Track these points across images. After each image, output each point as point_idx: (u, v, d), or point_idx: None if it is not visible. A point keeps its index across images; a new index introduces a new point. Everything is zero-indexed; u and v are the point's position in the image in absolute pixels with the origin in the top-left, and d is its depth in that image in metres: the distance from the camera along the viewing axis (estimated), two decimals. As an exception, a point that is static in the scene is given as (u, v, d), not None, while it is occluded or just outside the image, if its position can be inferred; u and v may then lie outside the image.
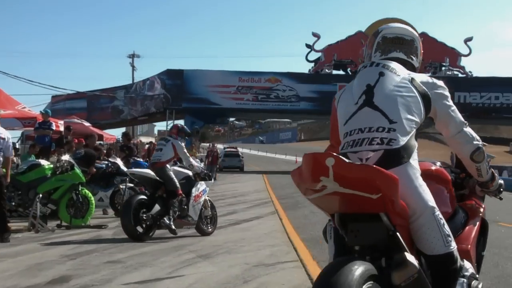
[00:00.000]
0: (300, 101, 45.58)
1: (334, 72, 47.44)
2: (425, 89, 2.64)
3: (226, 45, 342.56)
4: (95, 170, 12.10)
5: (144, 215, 8.55)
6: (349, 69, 47.23)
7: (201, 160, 26.10)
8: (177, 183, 9.03)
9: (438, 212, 2.50)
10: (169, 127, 48.01)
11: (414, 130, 2.58)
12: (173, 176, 9.07)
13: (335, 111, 2.76)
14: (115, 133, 43.29)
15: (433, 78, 2.72)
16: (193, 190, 9.17)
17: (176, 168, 9.32)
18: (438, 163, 3.04)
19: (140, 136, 69.62)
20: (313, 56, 47.24)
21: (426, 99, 2.62)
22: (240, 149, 56.71)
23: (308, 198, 2.46)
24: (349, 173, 2.23)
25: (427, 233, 2.46)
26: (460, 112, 2.75)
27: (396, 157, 2.48)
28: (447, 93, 2.70)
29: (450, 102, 2.71)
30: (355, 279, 2.09)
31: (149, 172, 9.12)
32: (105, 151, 16.46)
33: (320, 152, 2.30)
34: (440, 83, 2.71)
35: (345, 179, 2.23)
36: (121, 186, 12.41)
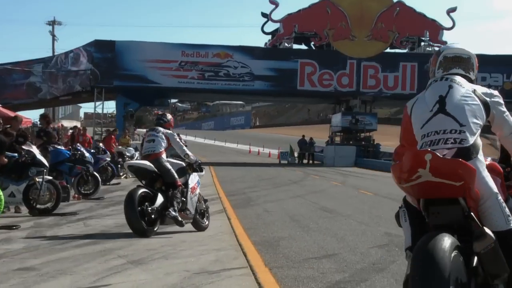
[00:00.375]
0: (254, 80, 45.65)
1: (295, 46, 47.73)
2: (485, 98, 3.89)
3: (166, 12, 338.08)
4: (6, 160, 11.79)
5: (149, 209, 9.19)
6: (312, 43, 47.54)
7: (136, 149, 25.84)
8: (175, 174, 9.81)
9: (500, 197, 3.70)
10: (98, 109, 47.54)
11: (479, 131, 3.81)
12: (170, 167, 9.85)
13: (408, 117, 4.08)
14: (31, 116, 42.66)
15: (490, 89, 3.97)
16: (189, 181, 10.00)
17: (169, 159, 10.11)
18: (489, 158, 4.12)
19: (62, 120, 68.49)
20: (270, 27, 47.39)
21: (486, 106, 3.87)
22: (183, 137, 56.58)
23: (402, 186, 3.71)
24: (441, 165, 3.50)
25: (493, 214, 3.66)
26: None
27: (467, 153, 3.70)
28: (501, 101, 3.95)
29: (504, 108, 3.95)
30: (447, 247, 3.32)
31: (148, 164, 9.73)
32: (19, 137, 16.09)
33: (419, 150, 3.70)
34: (496, 93, 3.97)
35: (437, 170, 3.50)
36: (37, 179, 12.20)
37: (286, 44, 47.25)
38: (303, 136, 47.14)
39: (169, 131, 10.21)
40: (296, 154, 47.25)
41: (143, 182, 9.83)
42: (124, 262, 7.14)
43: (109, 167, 20.77)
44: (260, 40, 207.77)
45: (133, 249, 8.07)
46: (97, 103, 46.24)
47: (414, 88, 45.70)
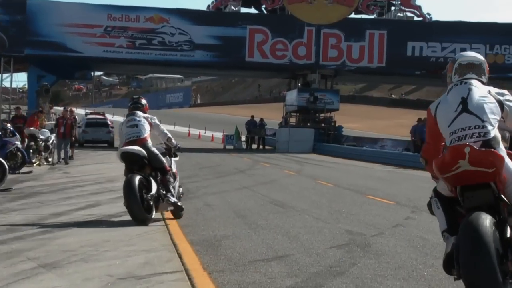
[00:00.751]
0: (194, 49, 45.47)
1: (243, 10, 47.68)
2: (499, 97, 5.41)
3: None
4: None
5: (149, 195, 10.34)
6: (263, 6, 47.45)
7: (51, 131, 25.47)
8: (163, 159, 11.00)
9: None
10: (5, 83, 46.59)
11: (497, 125, 5.29)
12: (157, 151, 10.99)
13: (433, 118, 5.53)
14: None
15: (501, 90, 5.47)
16: (172, 166, 11.24)
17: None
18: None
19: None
20: (214, -14, 47.09)
21: (500, 103, 5.37)
22: (109, 116, 55.99)
23: (443, 176, 5.24)
24: (477, 155, 5.01)
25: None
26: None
27: (490, 144, 5.15)
28: (511, 98, 5.48)
29: None
30: (489, 223, 4.87)
31: (140, 149, 10.79)
32: None
33: (459, 144, 5.16)
34: (506, 92, 5.49)
35: (474, 160, 5.00)
36: None
37: (233, 8, 47.06)
38: (252, 116, 47.26)
39: (150, 116, 11.45)
40: (243, 138, 47.38)
41: (133, 168, 10.71)
42: (35, 266, 7.06)
43: (18, 153, 20.42)
44: (202, 3, 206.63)
45: (46, 251, 7.99)
46: (5, 75, 45.36)
47: (383, 61, 46.32)
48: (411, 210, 13.36)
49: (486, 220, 4.92)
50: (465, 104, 5.42)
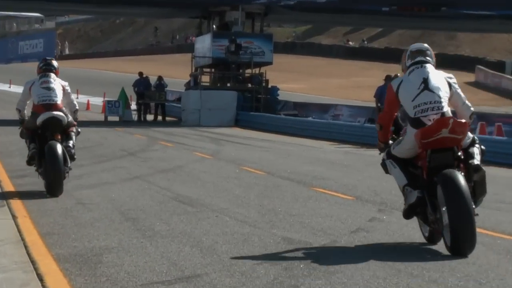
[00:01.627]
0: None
1: None
2: (448, 79, 10.37)
3: None
4: None
5: (67, 167, 14.71)
6: None
7: None
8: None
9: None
10: None
11: (447, 101, 10.29)
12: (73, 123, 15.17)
13: (394, 93, 10.34)
14: None
15: (449, 74, 10.58)
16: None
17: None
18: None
19: None
20: None
21: (449, 85, 10.31)
22: None
23: (424, 141, 9.78)
24: (456, 125, 9.86)
25: (471, 155, 10.38)
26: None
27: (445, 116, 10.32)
28: (456, 81, 10.53)
29: (458, 86, 10.48)
30: (462, 177, 9.78)
31: (63, 115, 14.61)
32: None
33: (445, 117, 9.97)
34: (452, 75, 10.51)
35: (453, 129, 9.80)
36: None
37: None
38: (141, 74, 47.55)
39: (64, 82, 15.15)
40: (133, 106, 47.11)
41: (46, 135, 14.51)
42: None
43: None
44: None
45: None
46: None
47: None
48: (377, 208, 13.59)
49: (460, 175, 9.67)
50: (426, 84, 10.11)
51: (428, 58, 10.47)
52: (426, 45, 10.75)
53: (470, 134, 10.37)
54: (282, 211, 12.94)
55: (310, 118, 40.82)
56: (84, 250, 9.58)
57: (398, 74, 29.31)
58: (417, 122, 10.08)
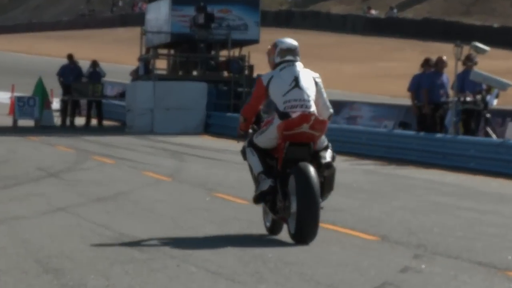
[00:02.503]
0: None
1: None
2: (315, 79, 16.83)
3: None
4: None
5: None
6: None
7: None
8: None
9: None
10: None
11: (314, 100, 17.10)
12: None
13: (264, 87, 16.43)
14: None
15: (315, 73, 16.99)
16: None
17: None
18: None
19: None
20: None
21: (316, 84, 16.78)
22: None
23: (286, 133, 15.74)
24: (317, 123, 16.16)
25: (323, 155, 17.15)
26: None
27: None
28: (321, 81, 17.01)
29: (322, 86, 17.06)
30: (314, 170, 15.91)
31: None
32: None
33: (307, 113, 16.11)
34: (318, 74, 17.05)
35: (313, 125, 16.07)
36: None
37: None
38: (71, 57, 47.16)
39: None
40: (56, 104, 47.14)
41: None
42: None
43: None
44: None
45: None
46: None
47: None
48: (412, 254, 13.67)
49: (312, 168, 14.93)
50: (297, 81, 15.46)
51: (297, 56, 15.99)
52: (295, 42, 16.24)
53: (325, 139, 15.95)
54: (273, 257, 12.99)
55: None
56: None
57: (444, 58, 29.88)
58: (285, 116, 15.35)
